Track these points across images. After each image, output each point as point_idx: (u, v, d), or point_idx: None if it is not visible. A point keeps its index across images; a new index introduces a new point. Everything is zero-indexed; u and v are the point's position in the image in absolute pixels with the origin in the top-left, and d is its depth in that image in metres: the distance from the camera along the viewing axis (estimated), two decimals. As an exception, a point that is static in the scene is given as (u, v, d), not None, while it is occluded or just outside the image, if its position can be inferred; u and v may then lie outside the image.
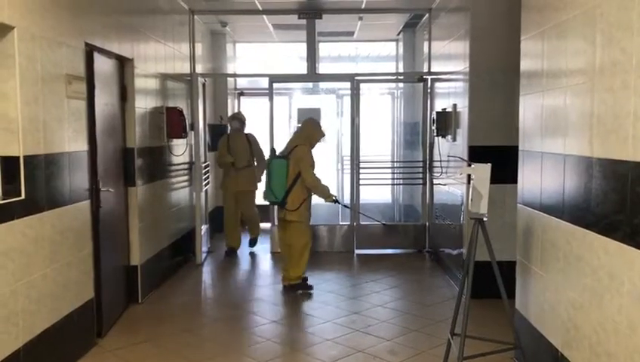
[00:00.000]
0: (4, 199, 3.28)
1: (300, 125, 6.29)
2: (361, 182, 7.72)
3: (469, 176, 3.96)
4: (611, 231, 2.68)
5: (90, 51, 4.39)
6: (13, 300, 3.32)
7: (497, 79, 5.42)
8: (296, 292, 5.82)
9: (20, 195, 3.38)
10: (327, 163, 9.80)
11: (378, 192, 9.49)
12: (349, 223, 7.81)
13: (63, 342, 3.91)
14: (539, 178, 3.67)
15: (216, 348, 4.41)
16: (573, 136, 3.14)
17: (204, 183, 7.44)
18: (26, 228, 3.44)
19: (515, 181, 4.14)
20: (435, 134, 6.72)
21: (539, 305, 3.67)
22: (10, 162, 3.37)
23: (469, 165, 3.74)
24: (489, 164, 3.61)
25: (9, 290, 3.28)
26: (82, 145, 4.25)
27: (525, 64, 3.99)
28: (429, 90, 7.60)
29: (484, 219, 3.63)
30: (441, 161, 6.74)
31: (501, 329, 4.14)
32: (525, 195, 3.95)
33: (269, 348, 4.48)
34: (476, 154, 5.33)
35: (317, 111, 8.57)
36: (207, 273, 6.88)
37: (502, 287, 3.66)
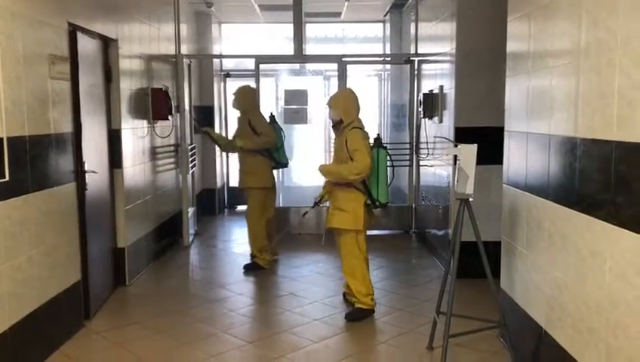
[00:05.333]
0: (-13, 181, 3.25)
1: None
2: (348, 163, 7.71)
3: (455, 156, 3.98)
4: (595, 210, 2.72)
5: (73, 31, 4.33)
6: (-2, 282, 3.31)
7: (484, 61, 5.43)
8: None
9: (4, 177, 3.34)
10: (314, 146, 9.81)
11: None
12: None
13: (50, 324, 3.90)
14: (524, 158, 3.70)
15: (204, 329, 4.43)
16: (558, 117, 3.16)
17: (190, 166, 7.41)
18: (11, 210, 3.41)
19: (500, 162, 4.17)
20: (421, 116, 6.74)
21: (524, 284, 3.72)
22: (-6, 144, 3.33)
23: (456, 146, 3.76)
24: (475, 145, 3.63)
25: (-5, 273, 3.26)
26: (67, 127, 4.21)
27: (512, 45, 4.00)
28: (415, 72, 7.59)
29: (470, 199, 3.66)
30: (427, 143, 6.76)
31: (486, 308, 4.19)
32: (511, 176, 3.98)
33: (257, 329, 4.52)
34: (462, 135, 5.36)
35: (304, 92, 8.54)
36: (194, 255, 6.88)
37: (487, 267, 3.71)
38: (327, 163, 5.01)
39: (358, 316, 4.59)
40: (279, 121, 6.53)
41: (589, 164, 2.78)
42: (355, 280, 4.64)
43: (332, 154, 5.17)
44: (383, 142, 4.73)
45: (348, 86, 7.51)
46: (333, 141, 5.09)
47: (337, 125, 4.70)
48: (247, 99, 6.08)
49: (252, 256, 6.09)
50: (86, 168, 4.47)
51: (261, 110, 6.25)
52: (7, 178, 3.36)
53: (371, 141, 4.70)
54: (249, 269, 6.03)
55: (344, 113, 4.63)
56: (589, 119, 2.77)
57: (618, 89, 2.50)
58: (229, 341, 4.21)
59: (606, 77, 2.60)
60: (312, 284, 5.56)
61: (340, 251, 4.73)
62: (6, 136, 3.35)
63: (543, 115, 3.38)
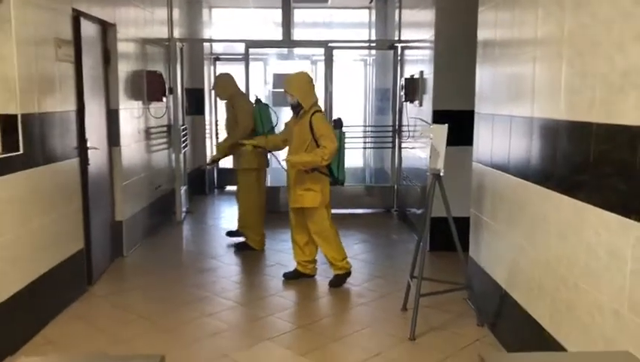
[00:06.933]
0: (4, 153, 3.59)
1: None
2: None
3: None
4: (545, 181, 3.12)
5: (76, 16, 4.63)
6: (17, 245, 3.66)
7: (461, 47, 5.75)
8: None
9: (19, 150, 3.68)
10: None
11: (350, 156, 9.85)
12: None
13: (58, 285, 4.26)
14: (490, 137, 4.09)
15: (198, 293, 4.80)
16: (518, 100, 3.55)
17: (182, 145, 7.73)
18: (26, 180, 3.76)
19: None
20: (403, 100, 7.10)
21: (489, 251, 4.14)
22: (9, 120, 3.66)
23: (429, 126, 4.14)
24: (446, 125, 4.01)
25: (15, 235, 3.62)
26: (71, 106, 4.54)
27: (482, 34, 4.37)
28: (399, 58, 7.93)
29: (441, 174, 4.05)
30: (408, 126, 7.14)
31: (456, 274, 4.59)
32: (479, 154, 4.38)
33: (247, 292, 4.92)
34: (440, 118, 5.69)
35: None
36: (186, 231, 7.23)
37: (456, 236, 4.10)
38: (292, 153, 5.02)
39: (339, 282, 5.01)
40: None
41: (542, 141, 3.18)
42: (330, 247, 5.01)
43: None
44: (343, 124, 5.09)
45: (334, 71, 7.79)
46: (284, 125, 5.19)
47: (297, 109, 4.88)
48: (228, 88, 6.07)
49: (242, 235, 6.23)
50: (88, 145, 4.80)
51: (244, 94, 6.19)
52: (21, 151, 3.70)
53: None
54: (236, 246, 6.19)
55: (300, 96, 4.80)
56: (543, 101, 3.17)
57: (565, 75, 2.89)
58: (222, 303, 4.60)
59: (556, 65, 2.99)
60: (298, 256, 5.94)
61: (310, 227, 5.02)
62: (20, 113, 3.68)
63: (506, 98, 3.77)
